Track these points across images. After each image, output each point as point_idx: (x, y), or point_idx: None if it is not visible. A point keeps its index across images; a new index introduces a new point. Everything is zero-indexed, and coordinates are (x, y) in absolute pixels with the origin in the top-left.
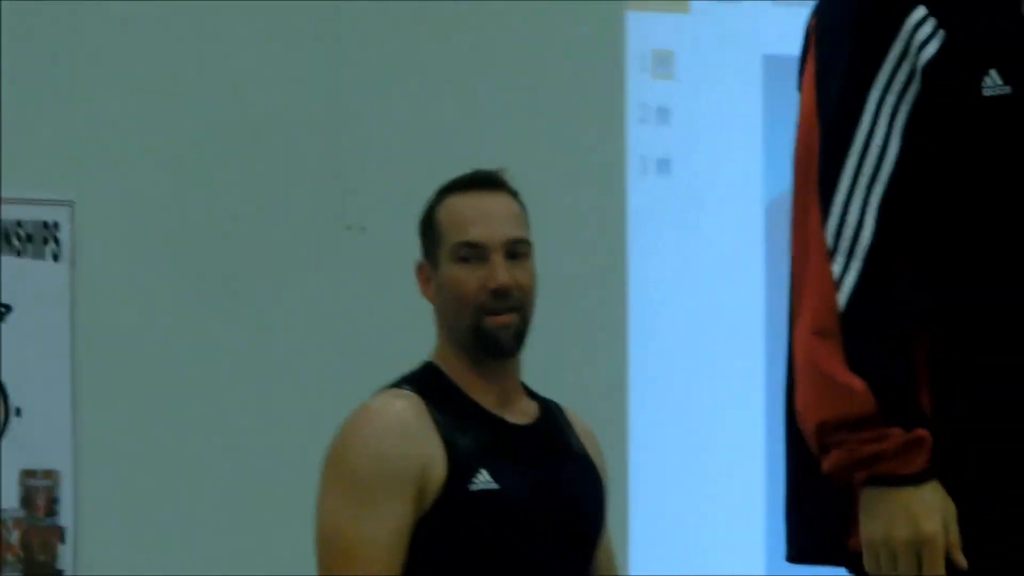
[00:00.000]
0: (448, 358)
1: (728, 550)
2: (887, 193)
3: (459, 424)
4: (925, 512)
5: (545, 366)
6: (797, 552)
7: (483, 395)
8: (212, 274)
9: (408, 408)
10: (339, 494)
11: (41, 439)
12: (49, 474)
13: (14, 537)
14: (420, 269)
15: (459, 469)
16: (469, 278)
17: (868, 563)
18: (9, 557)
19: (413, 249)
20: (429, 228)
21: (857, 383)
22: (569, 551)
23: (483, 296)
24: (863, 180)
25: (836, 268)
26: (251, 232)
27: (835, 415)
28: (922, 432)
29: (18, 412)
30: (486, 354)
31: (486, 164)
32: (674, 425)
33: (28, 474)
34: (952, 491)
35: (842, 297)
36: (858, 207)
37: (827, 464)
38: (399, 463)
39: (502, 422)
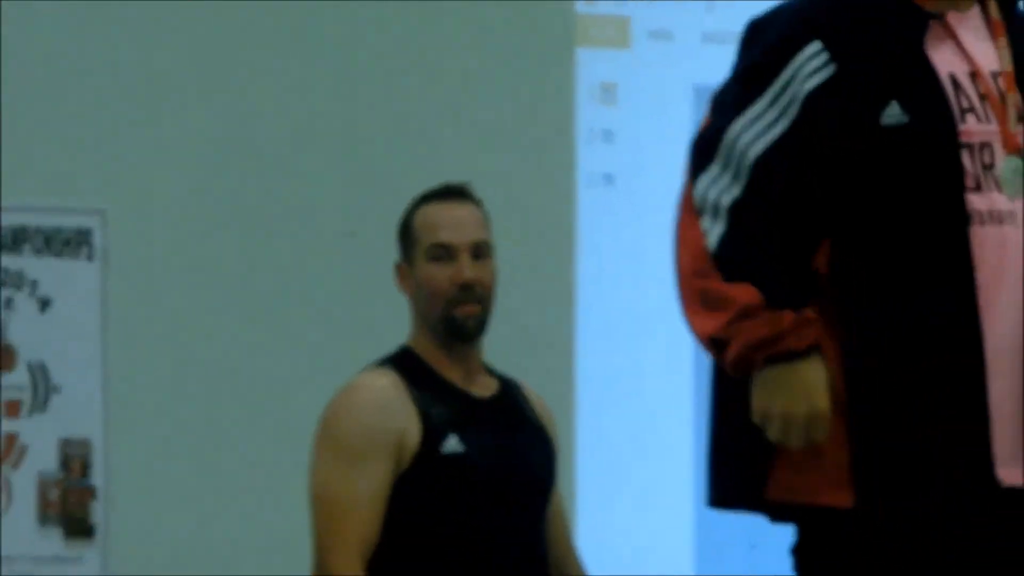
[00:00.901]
0: (422, 342)
1: (661, 502)
2: (749, 177)
3: (431, 397)
4: (818, 387)
5: (502, 349)
6: (718, 498)
7: (451, 372)
8: (226, 268)
9: (388, 384)
10: (329, 458)
11: (76, 412)
12: (83, 442)
13: (54, 495)
14: (399, 268)
15: (431, 435)
16: (440, 274)
17: (769, 432)
18: (50, 512)
19: (394, 253)
20: (406, 232)
21: (741, 287)
22: (525, 507)
23: (452, 290)
24: (729, 163)
25: (705, 224)
26: (260, 233)
27: (728, 314)
28: (810, 313)
29: (57, 389)
30: (454, 338)
31: (457, 177)
32: (613, 404)
33: (65, 442)
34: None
35: (712, 241)
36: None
37: (729, 358)
38: (380, 430)
39: (467, 395)
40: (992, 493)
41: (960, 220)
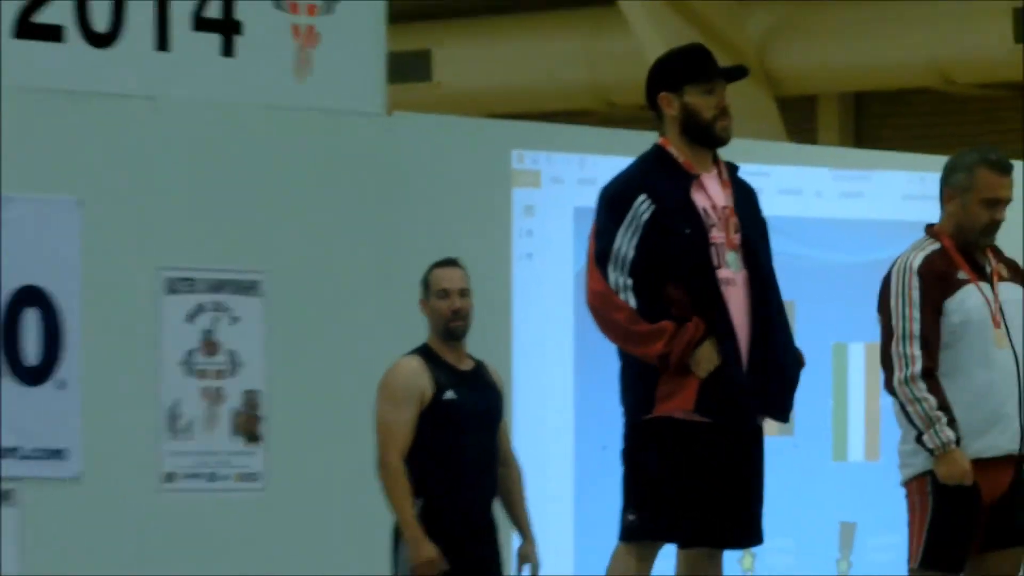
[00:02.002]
0: (433, 340)
1: (556, 424)
2: (631, 270)
3: (439, 370)
4: (714, 350)
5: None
6: (630, 414)
7: (449, 357)
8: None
9: (416, 363)
10: (382, 404)
11: (251, 375)
12: (255, 392)
13: (240, 419)
14: (421, 302)
15: (438, 390)
16: (443, 305)
17: (701, 374)
18: (239, 428)
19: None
20: (426, 283)
21: (658, 325)
22: (486, 427)
23: (449, 314)
24: (618, 263)
25: (623, 296)
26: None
27: (664, 339)
28: (698, 323)
29: (242, 364)
30: (450, 339)
31: (448, 254)
32: (530, 379)
33: (247, 392)
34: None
35: (633, 304)
36: (622, 278)
37: (673, 360)
38: (411, 387)
39: (457, 369)
40: (748, 430)
41: (715, 282)
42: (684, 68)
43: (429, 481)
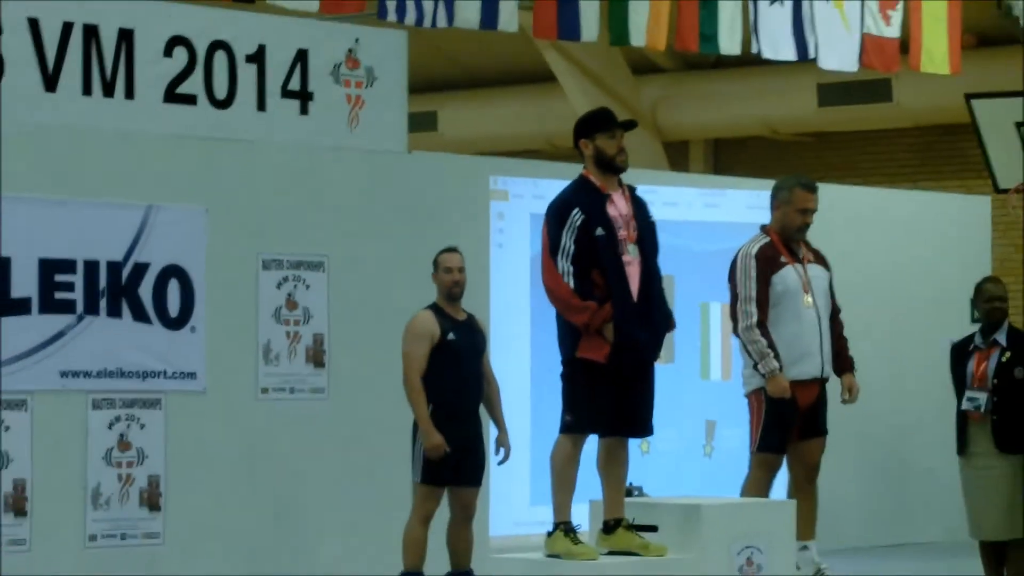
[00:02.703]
0: (440, 300)
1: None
2: (572, 260)
3: (443, 320)
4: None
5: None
6: (562, 350)
7: (450, 311)
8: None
9: (428, 314)
10: (407, 341)
11: (320, 323)
12: (320, 335)
13: (311, 353)
14: (433, 276)
15: (443, 333)
16: (446, 278)
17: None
18: (312, 359)
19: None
20: (436, 263)
21: (585, 302)
22: (476, 359)
23: (451, 284)
24: (565, 254)
25: (565, 279)
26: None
27: (590, 311)
28: (592, 304)
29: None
30: (451, 300)
31: (450, 245)
32: (505, 338)
33: (317, 335)
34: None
35: (571, 285)
36: (565, 264)
37: (592, 328)
38: (426, 331)
39: (456, 319)
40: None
41: (621, 266)
42: (595, 122)
43: (438, 392)
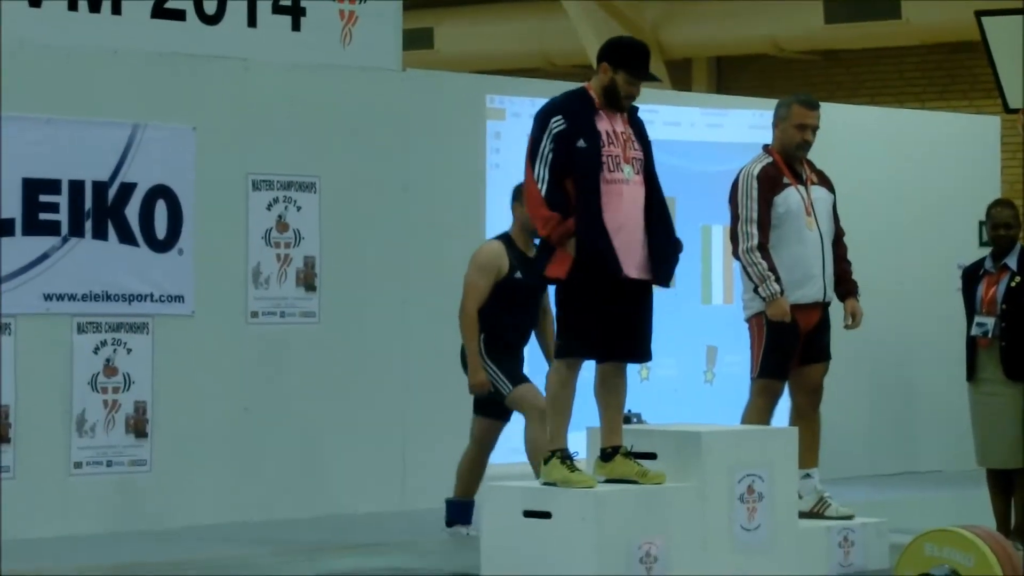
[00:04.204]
0: (516, 232)
1: None
2: (548, 166)
3: (515, 255)
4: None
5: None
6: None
7: (523, 247)
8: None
9: (499, 246)
10: (472, 270)
11: (311, 245)
12: (311, 258)
13: (302, 275)
14: (514, 206)
15: (511, 270)
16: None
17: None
18: (303, 282)
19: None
20: (516, 196)
21: (552, 212)
22: (536, 297)
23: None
24: (542, 159)
25: (540, 186)
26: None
27: (554, 222)
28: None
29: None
30: (531, 237)
31: (444, 166)
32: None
33: (308, 257)
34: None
35: (542, 191)
36: (542, 170)
37: (555, 240)
38: (493, 263)
39: (526, 256)
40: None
41: (597, 180)
42: (628, 58)
43: (492, 327)
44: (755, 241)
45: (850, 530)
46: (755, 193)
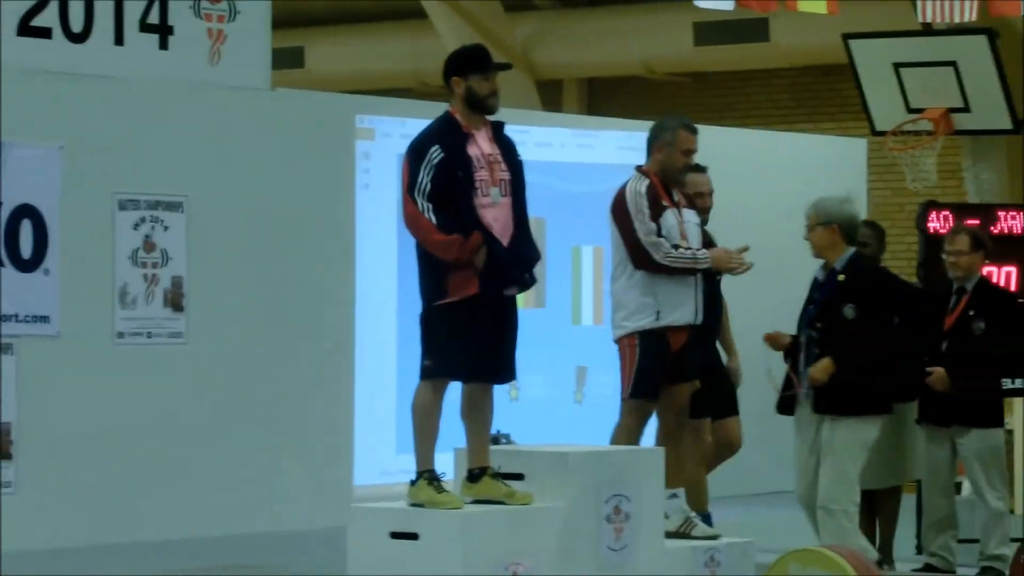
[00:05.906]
0: None
1: None
2: (429, 197)
3: None
4: (482, 256)
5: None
6: (423, 295)
7: None
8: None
9: None
10: None
11: (179, 265)
12: (179, 277)
13: (170, 295)
14: None
15: None
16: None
17: (479, 264)
18: (171, 301)
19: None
20: None
21: (449, 236)
22: None
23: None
24: (421, 192)
25: (427, 216)
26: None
27: (456, 246)
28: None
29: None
30: None
31: (312, 184)
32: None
33: (175, 277)
34: None
35: (433, 220)
36: (422, 201)
37: (460, 260)
38: None
39: None
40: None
41: (472, 207)
42: (470, 60)
43: None
44: (667, 246)
45: (716, 550)
46: (646, 209)
